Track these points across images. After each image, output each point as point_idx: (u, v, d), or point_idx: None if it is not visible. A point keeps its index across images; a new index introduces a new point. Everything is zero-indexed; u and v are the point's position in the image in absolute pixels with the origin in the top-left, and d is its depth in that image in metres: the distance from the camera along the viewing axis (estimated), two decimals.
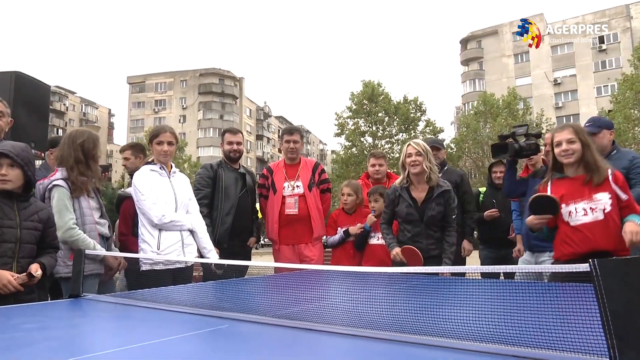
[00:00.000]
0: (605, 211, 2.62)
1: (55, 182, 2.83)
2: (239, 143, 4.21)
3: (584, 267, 1.12)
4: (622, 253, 2.53)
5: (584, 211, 2.66)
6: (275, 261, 4.04)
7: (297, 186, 4.13)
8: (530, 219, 2.78)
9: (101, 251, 2.88)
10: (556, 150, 2.80)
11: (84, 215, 2.90)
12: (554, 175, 2.85)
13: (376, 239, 4.00)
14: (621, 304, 1.06)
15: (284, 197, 4.11)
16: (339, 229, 4.16)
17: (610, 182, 2.66)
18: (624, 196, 2.64)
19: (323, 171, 4.40)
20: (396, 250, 3.46)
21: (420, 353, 1.20)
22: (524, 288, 2.00)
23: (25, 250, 2.35)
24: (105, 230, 3.05)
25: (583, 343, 1.10)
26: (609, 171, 2.69)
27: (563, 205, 2.70)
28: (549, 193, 2.78)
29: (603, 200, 2.63)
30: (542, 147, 3.73)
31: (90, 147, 2.98)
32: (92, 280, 2.78)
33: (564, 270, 1.19)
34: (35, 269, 2.29)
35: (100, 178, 3.19)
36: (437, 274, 2.93)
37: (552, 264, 3.03)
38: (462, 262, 4.54)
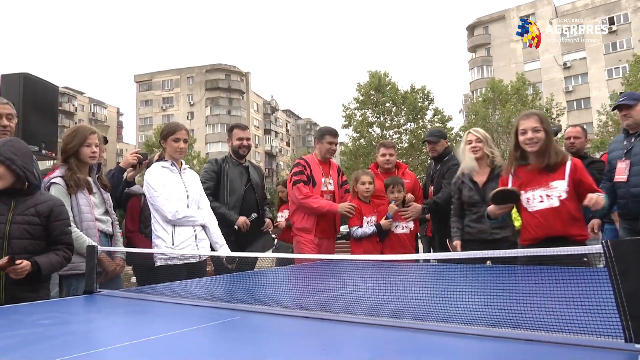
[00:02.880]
0: (561, 198, 2.68)
1: (53, 180, 2.83)
2: (248, 139, 4.27)
3: (597, 248, 1.11)
4: (579, 238, 2.65)
5: (540, 198, 2.73)
6: (301, 251, 4.08)
7: (330, 183, 4.27)
8: (492, 208, 2.87)
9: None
10: (521, 138, 2.82)
11: (81, 212, 2.86)
12: (517, 162, 2.90)
13: (401, 228, 4.06)
14: (636, 285, 1.05)
15: (322, 191, 4.20)
16: (365, 219, 4.11)
17: (566, 171, 2.72)
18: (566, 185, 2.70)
19: (344, 174, 4.62)
20: (455, 243, 3.58)
21: (436, 340, 1.20)
22: (537, 273, 1.99)
23: (17, 246, 2.24)
24: (107, 227, 3.01)
25: (598, 325, 1.10)
26: (568, 160, 2.76)
27: (522, 192, 2.78)
28: (510, 182, 2.88)
29: (559, 187, 2.69)
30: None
31: (68, 142, 2.91)
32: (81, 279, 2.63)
33: (575, 253, 1.18)
34: (20, 260, 2.17)
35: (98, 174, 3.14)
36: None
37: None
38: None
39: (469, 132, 3.78)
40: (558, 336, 1.11)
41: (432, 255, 3.91)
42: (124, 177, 3.52)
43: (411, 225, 4.12)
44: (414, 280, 2.11)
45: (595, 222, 3.89)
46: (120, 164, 3.60)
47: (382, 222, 4.03)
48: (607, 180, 3.75)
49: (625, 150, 3.60)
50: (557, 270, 1.63)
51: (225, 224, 3.75)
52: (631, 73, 25.85)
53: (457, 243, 3.58)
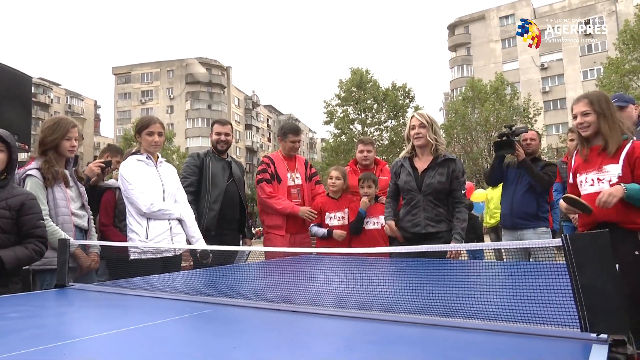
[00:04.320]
0: (611, 182, 2.55)
1: (28, 172, 2.77)
2: (227, 134, 4.22)
3: (556, 242, 1.16)
4: (628, 226, 2.47)
5: (592, 181, 2.64)
6: (273, 246, 4.08)
7: (297, 177, 4.31)
8: (564, 207, 2.73)
9: (72, 244, 2.68)
10: (574, 122, 2.78)
11: (58, 206, 2.82)
12: (588, 144, 2.77)
13: (372, 224, 4.08)
14: (592, 277, 1.09)
15: (289, 187, 4.25)
16: (327, 215, 4.16)
17: (622, 154, 2.57)
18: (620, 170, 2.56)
19: (312, 166, 4.66)
20: (389, 224, 3.46)
21: (400, 330, 1.23)
22: (498, 266, 2.05)
23: None
24: (83, 222, 2.97)
25: (556, 315, 1.14)
26: (629, 143, 2.60)
27: (577, 175, 2.72)
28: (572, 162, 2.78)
29: (612, 171, 2.57)
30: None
31: (49, 134, 2.86)
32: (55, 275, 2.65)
33: (537, 246, 1.23)
34: None
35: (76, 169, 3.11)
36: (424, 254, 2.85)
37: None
38: None
39: (413, 115, 3.53)
40: (518, 326, 1.15)
41: (409, 249, 3.93)
42: (88, 183, 3.50)
43: (382, 220, 4.02)
44: (382, 274, 2.15)
45: None
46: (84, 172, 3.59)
47: (335, 232, 4.07)
48: None
49: None
50: (518, 264, 1.69)
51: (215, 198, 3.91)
52: (605, 75, 26.52)
53: (390, 224, 3.46)
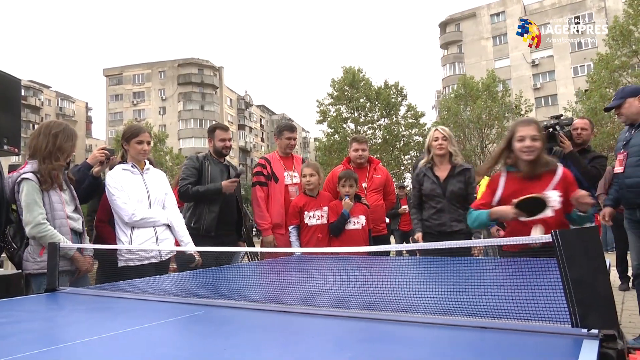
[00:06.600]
0: (555, 208, 2.59)
1: (24, 175, 2.74)
2: (230, 139, 4.32)
3: (546, 237, 1.16)
4: None
5: None
6: (276, 245, 4.13)
7: (295, 176, 4.35)
8: (498, 211, 2.70)
9: (71, 248, 2.76)
10: (518, 144, 2.71)
11: (54, 209, 2.81)
12: (508, 168, 2.81)
13: (352, 224, 3.96)
14: (581, 272, 1.10)
15: (286, 185, 4.30)
16: (307, 214, 4.04)
17: (555, 179, 2.65)
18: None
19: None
20: (417, 236, 3.78)
21: (392, 328, 1.23)
22: (489, 263, 2.06)
23: None
24: (78, 225, 2.97)
25: (548, 311, 1.14)
26: (559, 170, 2.69)
27: (514, 201, 2.60)
28: (501, 183, 2.77)
29: (553, 197, 2.59)
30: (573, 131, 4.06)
31: (64, 140, 2.87)
32: (62, 278, 2.67)
33: (525, 242, 1.23)
34: None
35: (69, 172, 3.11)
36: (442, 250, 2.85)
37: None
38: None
39: (436, 129, 3.92)
40: (509, 323, 1.15)
41: (404, 247, 3.91)
42: (91, 173, 3.48)
43: (363, 220, 4.00)
44: (373, 273, 2.15)
45: (607, 210, 3.74)
46: (87, 160, 3.56)
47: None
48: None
49: (624, 142, 3.58)
50: (509, 261, 1.70)
51: (213, 198, 3.91)
52: (595, 71, 26.65)
53: (419, 236, 3.78)
